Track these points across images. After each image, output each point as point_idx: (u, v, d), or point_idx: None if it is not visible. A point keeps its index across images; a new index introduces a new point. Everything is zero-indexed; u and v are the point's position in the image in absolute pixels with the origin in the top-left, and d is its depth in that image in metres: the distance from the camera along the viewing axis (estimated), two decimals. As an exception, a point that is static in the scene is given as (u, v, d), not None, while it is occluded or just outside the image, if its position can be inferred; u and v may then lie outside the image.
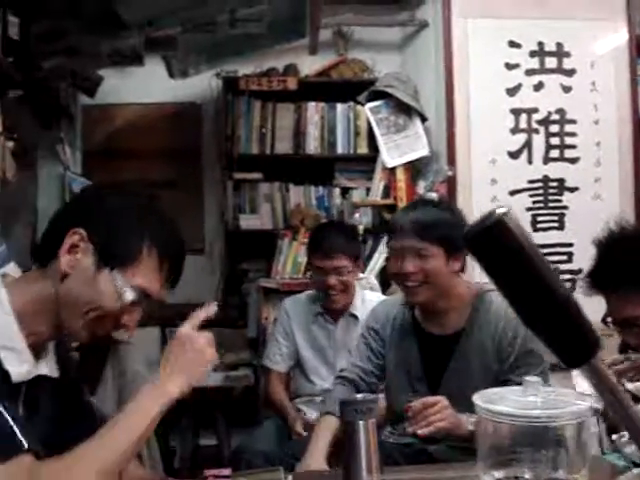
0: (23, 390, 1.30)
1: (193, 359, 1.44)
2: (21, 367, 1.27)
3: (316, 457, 2.13)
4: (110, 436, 1.29)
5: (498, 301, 2.16)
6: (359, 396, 1.69)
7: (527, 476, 0.92)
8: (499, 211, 0.65)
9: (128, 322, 1.36)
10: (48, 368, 1.36)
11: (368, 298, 3.06)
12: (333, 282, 2.94)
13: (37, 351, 1.33)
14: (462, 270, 2.19)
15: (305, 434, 2.78)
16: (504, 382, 2.10)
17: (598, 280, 1.73)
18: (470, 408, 2.13)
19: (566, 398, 0.93)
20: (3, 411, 1.17)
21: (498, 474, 0.95)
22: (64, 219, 1.36)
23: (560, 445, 0.91)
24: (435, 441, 2.09)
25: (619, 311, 1.67)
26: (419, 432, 1.85)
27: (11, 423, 1.16)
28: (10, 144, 2.84)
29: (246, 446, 2.84)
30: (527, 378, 1.04)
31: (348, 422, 1.62)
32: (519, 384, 2.05)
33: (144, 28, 3.51)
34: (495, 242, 0.64)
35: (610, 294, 1.69)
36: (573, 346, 0.66)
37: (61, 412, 1.42)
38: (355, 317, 3.03)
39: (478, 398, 1.01)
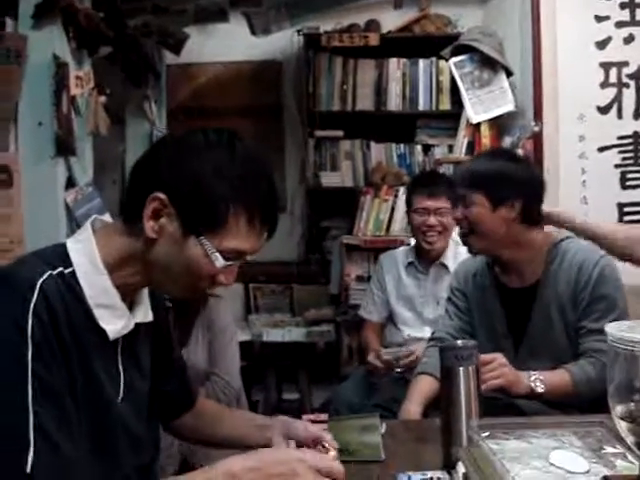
0: (120, 342, 1.30)
1: (277, 475, 1.16)
2: (117, 324, 1.26)
3: (411, 407, 2.16)
4: None
5: (573, 248, 2.14)
6: (459, 342, 1.70)
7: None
8: None
9: (224, 281, 1.27)
10: (142, 313, 1.35)
11: (460, 251, 3.08)
12: (434, 222, 3.04)
13: (131, 300, 1.32)
14: (527, 219, 2.16)
15: (377, 362, 2.89)
16: (580, 330, 2.10)
17: None
18: (553, 360, 2.14)
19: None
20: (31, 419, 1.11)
21: (628, 407, 0.95)
22: (144, 179, 1.26)
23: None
24: (524, 396, 2.08)
25: None
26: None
27: (31, 437, 1.10)
28: (102, 99, 2.90)
29: (334, 398, 2.94)
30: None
31: (448, 368, 1.63)
32: (594, 331, 2.07)
33: (228, -15, 3.53)
34: None
35: None
36: None
37: (154, 365, 1.43)
38: (446, 267, 3.08)
39: (611, 327, 1.00)
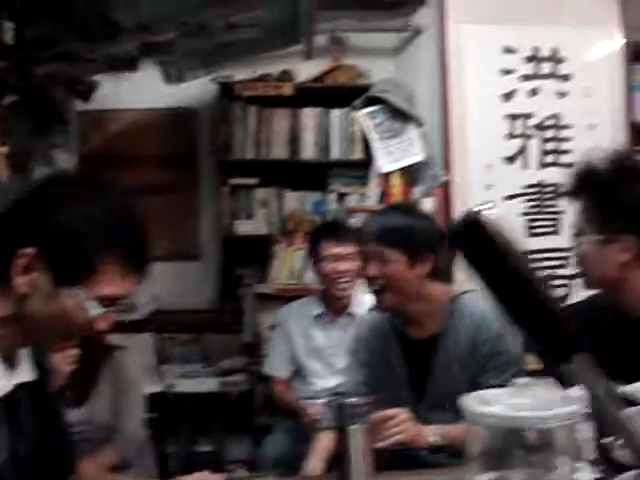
0: (1, 404, 1.26)
1: None
2: None
3: (313, 463, 2.15)
4: None
5: (473, 303, 2.18)
6: (352, 400, 1.69)
7: (518, 479, 0.92)
8: (479, 208, 0.65)
9: (102, 328, 1.27)
10: (24, 373, 1.32)
11: (365, 300, 3.10)
12: (345, 267, 3.05)
13: (11, 359, 1.29)
14: (435, 274, 2.19)
15: (315, 414, 2.83)
16: (480, 384, 2.12)
17: None
18: (455, 413, 2.15)
19: (556, 400, 0.93)
20: None
21: (488, 477, 0.95)
22: (10, 235, 1.23)
23: (551, 446, 0.91)
24: (429, 448, 2.09)
25: None
26: (378, 445, 1.85)
27: None
28: (4, 149, 2.83)
29: (262, 452, 2.92)
30: (518, 380, 1.04)
31: (340, 427, 1.62)
32: (499, 386, 2.08)
33: (139, 33, 3.50)
34: (476, 237, 0.64)
35: None
36: (555, 345, 0.66)
37: (36, 427, 1.37)
38: (354, 316, 3.07)
39: (466, 400, 1.01)
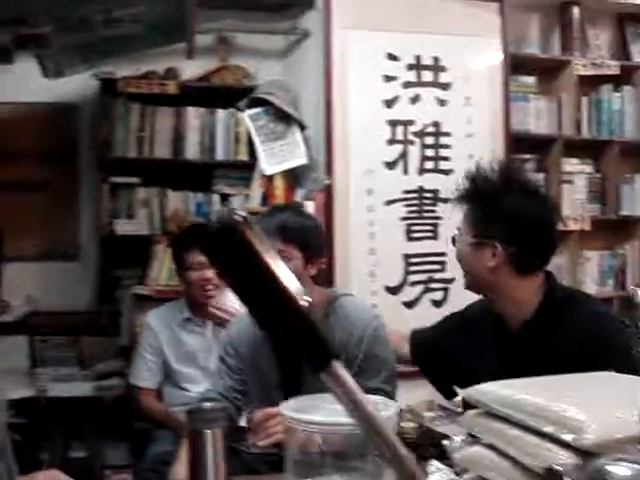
0: None
1: None
2: None
3: (179, 468, 2.11)
4: None
5: (349, 306, 2.20)
6: (206, 405, 1.66)
7: (336, 485, 0.92)
8: (233, 215, 0.64)
9: None
10: None
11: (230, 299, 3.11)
12: (211, 275, 2.99)
13: None
14: (318, 276, 2.22)
15: None
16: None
17: None
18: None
19: (377, 405, 0.94)
20: None
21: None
22: None
23: (368, 453, 0.91)
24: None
25: None
26: (259, 443, 1.85)
27: None
28: None
29: (146, 462, 2.85)
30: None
31: (194, 431, 1.59)
32: (368, 389, 2.12)
33: (14, 25, 3.38)
34: (228, 244, 0.63)
35: None
36: (311, 352, 0.66)
37: None
38: None
39: (286, 407, 1.01)
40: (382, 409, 0.99)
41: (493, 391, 1.20)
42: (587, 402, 1.07)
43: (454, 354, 2.10)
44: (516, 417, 1.10)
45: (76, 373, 3.95)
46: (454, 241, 2.09)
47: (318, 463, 0.94)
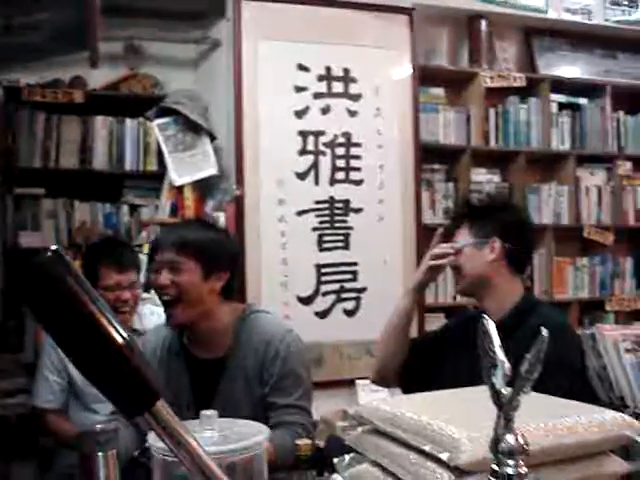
0: None
1: None
2: None
3: None
4: None
5: (261, 322, 2.18)
6: (98, 426, 1.62)
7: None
8: (45, 251, 0.61)
9: None
10: None
11: (149, 316, 3.05)
12: (128, 296, 2.91)
13: None
14: (227, 292, 2.18)
15: None
16: (270, 405, 2.12)
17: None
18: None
19: (242, 432, 0.92)
20: None
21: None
22: None
23: None
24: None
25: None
26: None
27: None
28: None
29: None
30: (204, 412, 1.03)
31: (84, 454, 1.55)
32: (284, 406, 2.11)
33: None
34: (40, 282, 0.61)
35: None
36: (132, 395, 0.64)
37: None
38: (137, 332, 2.98)
39: (151, 438, 0.98)
40: (254, 433, 0.97)
41: (380, 408, 1.20)
42: (468, 419, 1.08)
43: (438, 357, 2.28)
44: (399, 435, 1.10)
45: (-22, 391, 3.81)
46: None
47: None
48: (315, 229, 3.84)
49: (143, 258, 3.51)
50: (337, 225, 3.89)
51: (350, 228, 3.91)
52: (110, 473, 1.56)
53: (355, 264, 3.91)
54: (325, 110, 3.91)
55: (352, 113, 3.97)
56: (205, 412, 1.00)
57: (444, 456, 0.98)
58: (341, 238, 3.90)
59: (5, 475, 3.81)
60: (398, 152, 4.04)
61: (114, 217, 4.04)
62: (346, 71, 3.98)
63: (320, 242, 3.85)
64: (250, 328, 2.17)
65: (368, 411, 1.20)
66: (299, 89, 3.87)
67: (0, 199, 4.01)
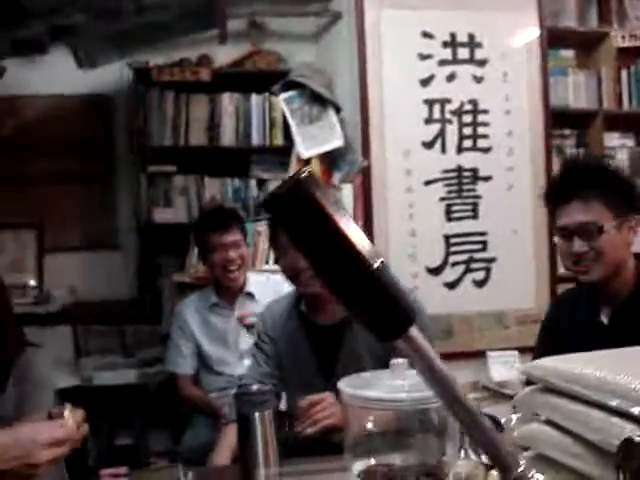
0: None
1: (15, 459, 1.24)
2: None
3: (220, 454, 2.11)
4: None
5: None
6: (253, 387, 1.65)
7: (397, 462, 0.90)
8: (297, 176, 0.60)
9: None
10: None
11: (257, 279, 3.20)
12: (234, 255, 3.06)
13: None
14: None
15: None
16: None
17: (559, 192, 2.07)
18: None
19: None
20: None
21: (367, 462, 0.92)
22: None
23: (429, 430, 0.89)
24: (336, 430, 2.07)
25: (574, 216, 1.98)
26: (307, 431, 1.84)
27: None
28: None
29: (183, 448, 2.88)
30: (393, 361, 1.02)
31: (243, 414, 1.58)
32: None
33: (48, 16, 3.39)
34: (295, 206, 0.60)
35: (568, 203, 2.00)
36: (387, 318, 0.63)
37: None
38: (252, 296, 3.09)
39: (343, 384, 0.98)
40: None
41: (554, 366, 1.16)
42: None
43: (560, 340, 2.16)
44: (579, 391, 1.06)
45: (120, 361, 3.99)
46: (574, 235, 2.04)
47: (376, 441, 0.92)
48: (443, 199, 3.78)
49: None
50: (465, 194, 3.82)
51: (479, 197, 3.83)
52: (266, 432, 1.60)
53: (484, 234, 3.83)
54: (450, 77, 3.84)
55: (478, 79, 3.87)
56: (395, 361, 1.00)
57: (636, 410, 0.94)
58: (470, 207, 3.83)
59: (144, 443, 3.97)
60: (527, 118, 3.92)
61: (242, 191, 4.11)
62: (471, 37, 3.88)
63: (448, 212, 3.79)
64: None
65: (542, 369, 1.16)
66: (424, 57, 3.81)
67: (134, 177, 4.16)
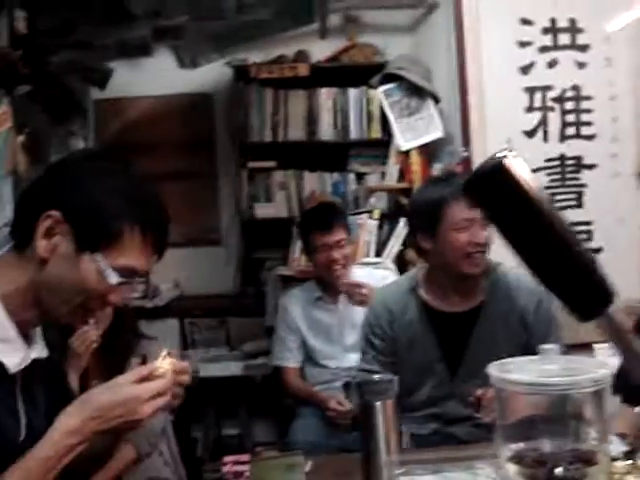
0: (19, 379, 1.26)
1: (114, 407, 1.22)
2: (15, 357, 1.23)
3: None
4: None
5: (512, 273, 2.17)
6: (375, 377, 1.67)
7: (547, 448, 0.90)
8: (500, 154, 0.61)
9: (114, 301, 1.28)
10: (38, 349, 1.32)
11: (360, 273, 3.18)
12: (337, 256, 3.06)
13: (27, 336, 1.29)
14: None
15: (342, 408, 2.83)
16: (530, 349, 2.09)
17: None
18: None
19: (584, 366, 0.91)
20: None
21: (517, 447, 0.93)
22: (36, 199, 1.25)
23: (580, 415, 0.88)
24: (458, 422, 2.07)
25: None
26: (487, 419, 1.85)
27: None
28: (21, 138, 2.85)
29: (291, 439, 2.94)
30: (543, 346, 1.01)
31: (365, 402, 1.60)
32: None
33: (151, 18, 3.50)
34: (497, 186, 0.60)
35: None
36: (587, 297, 0.63)
37: (51, 400, 1.37)
38: None
39: (493, 368, 0.98)
40: (597, 367, 0.95)
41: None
42: None
43: None
44: None
45: (225, 353, 4.08)
46: None
47: (527, 426, 0.92)
48: (546, 188, 3.70)
49: (373, 223, 3.60)
50: (569, 183, 3.73)
51: (583, 185, 3.73)
52: (388, 421, 1.61)
53: (589, 223, 3.73)
54: (551, 64, 3.75)
55: (580, 65, 3.77)
56: (545, 346, 0.99)
57: None
58: (574, 196, 3.73)
59: (249, 433, 4.06)
60: (633, 103, 3.79)
61: (341, 185, 4.14)
62: (572, 21, 3.78)
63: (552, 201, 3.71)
64: (504, 276, 2.16)
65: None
66: (523, 44, 3.73)
67: (235, 174, 4.25)
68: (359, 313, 2.69)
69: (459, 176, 2.50)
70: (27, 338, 1.29)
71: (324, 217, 3.16)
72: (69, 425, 1.19)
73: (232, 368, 3.92)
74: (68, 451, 1.20)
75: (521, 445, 0.94)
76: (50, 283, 1.24)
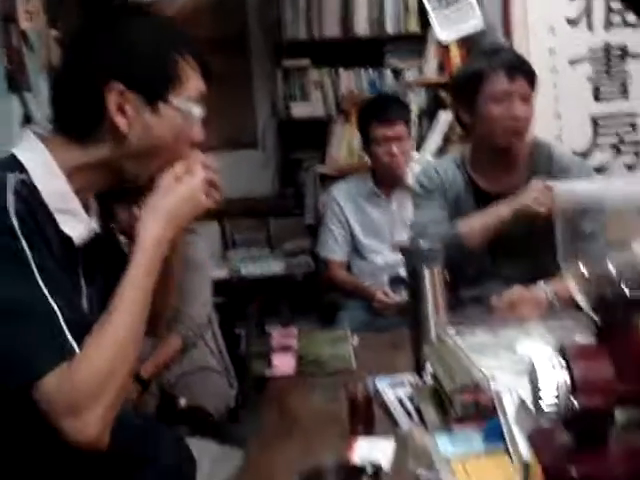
0: (81, 255, 1.27)
1: (180, 205, 1.27)
2: (79, 229, 1.24)
3: None
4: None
5: (556, 151, 2.17)
6: (423, 244, 1.66)
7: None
8: None
9: (199, 137, 1.30)
10: (95, 222, 1.32)
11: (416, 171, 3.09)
12: (396, 151, 2.98)
13: (85, 207, 1.29)
14: None
15: (388, 299, 2.86)
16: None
17: None
18: (529, 268, 2.08)
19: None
20: (57, 311, 1.11)
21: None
22: (85, 81, 1.22)
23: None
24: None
25: None
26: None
27: (62, 325, 1.11)
28: (54, 32, 2.82)
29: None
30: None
31: (413, 269, 1.60)
32: None
33: None
34: None
35: None
36: None
37: (106, 285, 1.33)
38: (410, 189, 3.02)
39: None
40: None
41: None
42: None
43: None
44: None
45: (266, 253, 4.11)
46: None
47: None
48: (590, 79, 3.61)
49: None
50: (614, 73, 3.63)
51: (628, 76, 3.63)
52: (436, 287, 1.62)
53: (635, 115, 3.65)
54: (596, -49, 3.60)
55: (627, -52, 3.61)
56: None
57: None
58: (619, 88, 3.64)
59: (293, 324, 4.11)
60: (681, -12, 3.64)
61: (378, 82, 4.05)
62: None
63: (596, 92, 3.62)
64: (548, 156, 2.15)
65: None
66: None
67: (270, 73, 4.18)
68: (411, 213, 2.64)
69: (504, 49, 2.42)
70: (86, 209, 1.29)
71: (385, 108, 3.06)
72: (153, 235, 1.22)
73: (273, 267, 3.95)
74: (159, 261, 1.23)
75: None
76: (137, 152, 1.25)
